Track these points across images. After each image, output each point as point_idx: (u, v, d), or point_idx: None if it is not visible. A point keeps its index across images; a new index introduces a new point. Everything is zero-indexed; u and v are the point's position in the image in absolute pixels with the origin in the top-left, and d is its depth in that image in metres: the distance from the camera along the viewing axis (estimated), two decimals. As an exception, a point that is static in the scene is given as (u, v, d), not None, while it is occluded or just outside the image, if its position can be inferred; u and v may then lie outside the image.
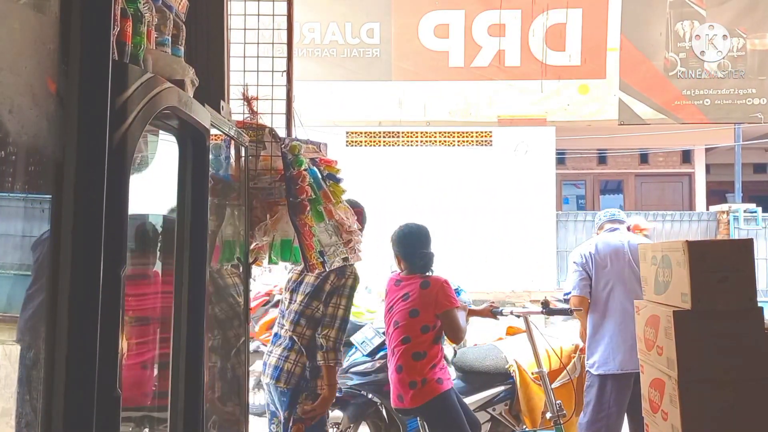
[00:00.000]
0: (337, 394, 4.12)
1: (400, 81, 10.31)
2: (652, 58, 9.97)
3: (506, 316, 4.01)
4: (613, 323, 4.02)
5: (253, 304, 7.49)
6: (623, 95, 9.95)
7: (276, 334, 3.47)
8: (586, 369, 4.09)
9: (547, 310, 3.95)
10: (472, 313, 4.04)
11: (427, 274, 3.76)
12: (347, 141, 10.33)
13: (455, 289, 4.59)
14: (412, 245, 3.76)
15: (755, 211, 9.98)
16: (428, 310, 3.63)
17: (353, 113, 10.27)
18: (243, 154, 2.88)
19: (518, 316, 4.02)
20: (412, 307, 3.66)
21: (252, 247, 2.97)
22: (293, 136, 3.76)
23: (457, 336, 3.66)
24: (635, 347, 3.94)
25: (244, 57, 3.64)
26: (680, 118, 10.03)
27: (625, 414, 4.11)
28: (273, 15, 3.84)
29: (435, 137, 10.37)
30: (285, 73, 3.78)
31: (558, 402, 3.88)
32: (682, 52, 9.85)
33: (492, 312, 4.02)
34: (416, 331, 3.63)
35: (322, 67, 10.29)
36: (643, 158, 13.01)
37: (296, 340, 3.34)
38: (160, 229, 2.07)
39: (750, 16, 9.88)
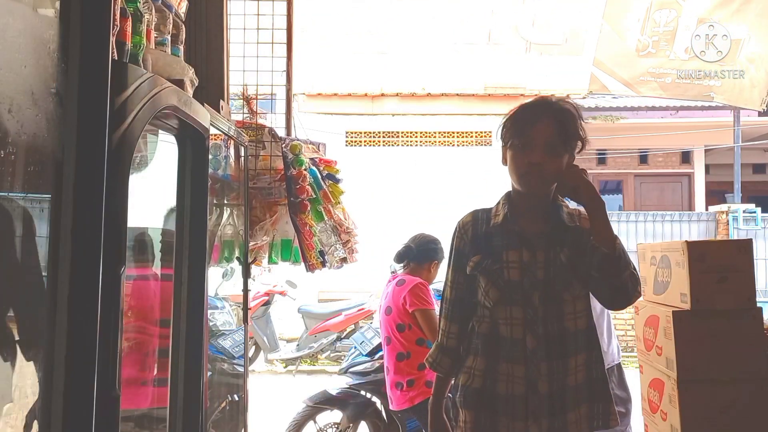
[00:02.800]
0: (334, 394, 4.12)
1: (400, 55, 10.73)
2: (627, 40, 10.50)
3: None
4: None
5: (252, 304, 7.50)
6: (595, 70, 10.68)
7: None
8: None
9: None
10: None
11: (406, 273, 3.68)
12: (347, 141, 10.33)
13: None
14: (408, 249, 3.73)
15: (754, 212, 9.97)
16: (400, 308, 3.56)
17: (355, 84, 10.56)
18: (242, 153, 2.88)
19: None
20: (387, 304, 3.64)
21: (251, 246, 2.97)
22: (293, 136, 3.76)
23: (433, 337, 3.47)
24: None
25: (244, 57, 3.64)
26: (641, 93, 10.58)
27: None
28: (273, 15, 3.84)
29: (434, 137, 10.38)
30: (285, 73, 3.78)
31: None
32: (654, 36, 10.28)
33: None
34: (393, 330, 3.58)
35: (326, 45, 10.56)
36: (643, 158, 13.01)
37: None
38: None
39: (726, 7, 10.16)
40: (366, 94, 10.39)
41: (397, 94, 10.44)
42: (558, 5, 10.77)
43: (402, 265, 3.74)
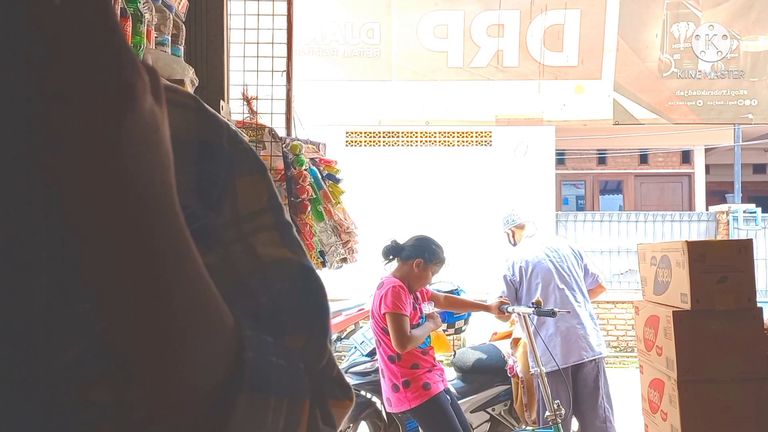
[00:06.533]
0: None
1: (400, 81, 10.31)
2: (647, 59, 9.98)
3: (512, 312, 4.00)
4: (547, 327, 4.13)
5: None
6: (617, 95, 9.97)
7: None
8: (530, 368, 4.14)
9: (536, 310, 3.88)
10: (478, 307, 4.10)
11: (390, 274, 3.62)
12: (347, 141, 10.32)
13: (454, 290, 4.58)
14: (394, 244, 3.68)
15: (755, 212, 9.96)
16: (378, 312, 3.51)
17: (353, 112, 10.28)
18: (243, 153, 2.88)
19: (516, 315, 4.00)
20: (371, 309, 3.61)
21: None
22: (293, 136, 3.76)
23: (395, 342, 3.40)
24: (572, 339, 4.07)
25: (244, 57, 3.65)
26: (673, 119, 10.06)
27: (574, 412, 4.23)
28: (273, 15, 3.84)
29: (435, 137, 10.37)
30: (285, 73, 3.78)
31: (556, 401, 3.87)
32: (676, 54, 9.86)
33: (500, 309, 3.99)
34: (380, 333, 3.54)
35: (323, 66, 10.29)
36: (643, 159, 13.01)
37: None
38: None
39: (744, 17, 9.86)
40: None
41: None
42: (568, 20, 9.81)
43: (387, 261, 3.66)
